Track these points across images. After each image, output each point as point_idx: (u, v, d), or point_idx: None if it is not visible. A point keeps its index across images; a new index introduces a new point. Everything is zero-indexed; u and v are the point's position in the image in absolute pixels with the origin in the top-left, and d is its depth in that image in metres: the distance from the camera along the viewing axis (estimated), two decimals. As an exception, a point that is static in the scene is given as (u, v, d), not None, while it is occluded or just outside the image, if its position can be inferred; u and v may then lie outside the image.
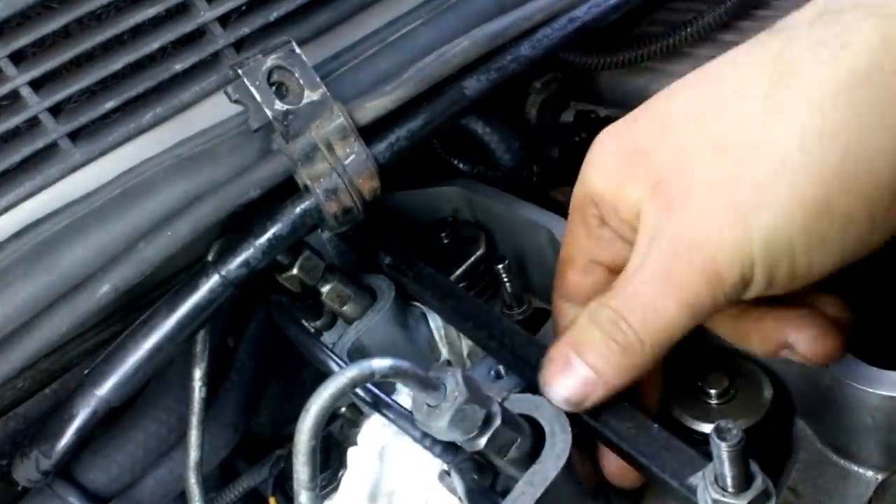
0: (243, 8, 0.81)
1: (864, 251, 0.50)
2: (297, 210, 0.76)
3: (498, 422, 0.62)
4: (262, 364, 0.99)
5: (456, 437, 0.61)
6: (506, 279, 0.94)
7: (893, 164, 0.46)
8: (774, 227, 0.47)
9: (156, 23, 0.77)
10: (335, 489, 0.86)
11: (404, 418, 0.69)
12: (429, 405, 0.61)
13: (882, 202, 0.47)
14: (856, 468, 0.67)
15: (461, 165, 1.11)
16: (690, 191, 0.50)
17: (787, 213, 0.47)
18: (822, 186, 0.46)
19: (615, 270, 0.58)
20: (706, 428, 0.66)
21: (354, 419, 0.93)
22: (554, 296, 0.67)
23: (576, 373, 0.58)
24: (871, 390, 0.59)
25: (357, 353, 0.89)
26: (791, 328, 0.57)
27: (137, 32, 0.77)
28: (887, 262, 0.81)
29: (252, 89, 0.73)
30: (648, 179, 0.53)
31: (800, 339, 0.57)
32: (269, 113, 0.74)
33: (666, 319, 0.52)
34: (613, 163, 0.56)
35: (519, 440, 0.63)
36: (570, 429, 0.63)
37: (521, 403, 0.67)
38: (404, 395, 0.77)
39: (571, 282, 0.64)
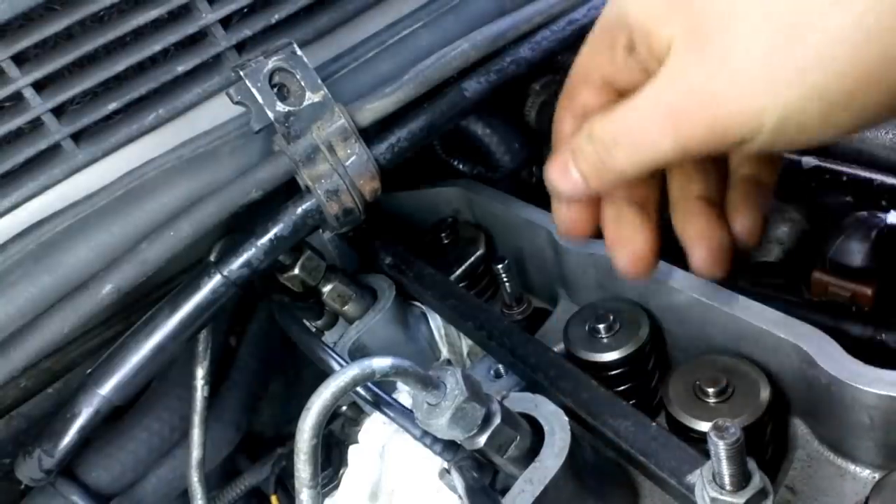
0: (245, 10, 0.82)
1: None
2: (299, 211, 0.76)
3: (497, 420, 0.62)
4: (263, 363, 0.99)
5: (456, 435, 0.62)
6: (506, 279, 0.94)
7: None
8: (800, 99, 0.47)
9: (158, 25, 0.78)
10: (336, 487, 0.86)
11: (405, 417, 0.69)
12: (429, 404, 0.61)
13: None
14: (852, 467, 0.67)
15: (461, 166, 1.11)
16: (728, 46, 0.49)
17: (820, 89, 0.46)
18: (862, 71, 0.45)
19: (628, 96, 0.58)
20: (704, 426, 0.66)
21: (355, 418, 0.94)
22: (559, 106, 0.66)
23: (569, 177, 0.60)
24: (868, 389, 0.59)
25: (358, 352, 0.90)
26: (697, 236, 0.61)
27: (140, 34, 0.77)
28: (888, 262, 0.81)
29: (254, 91, 0.74)
30: (689, 20, 0.52)
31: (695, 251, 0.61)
32: (270, 114, 0.74)
33: (658, 154, 0.53)
34: None
35: (518, 438, 0.64)
36: (569, 427, 0.64)
37: (520, 402, 0.68)
38: (405, 394, 0.78)
39: (581, 99, 0.63)
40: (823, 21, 0.46)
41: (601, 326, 0.78)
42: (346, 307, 0.93)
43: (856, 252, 0.83)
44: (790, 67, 0.47)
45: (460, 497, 0.65)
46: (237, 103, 0.75)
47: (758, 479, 0.54)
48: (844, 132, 0.49)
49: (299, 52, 0.75)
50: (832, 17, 0.46)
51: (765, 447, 0.69)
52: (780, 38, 0.48)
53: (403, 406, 0.70)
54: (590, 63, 0.62)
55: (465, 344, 0.99)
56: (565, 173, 0.60)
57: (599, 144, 0.57)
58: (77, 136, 0.77)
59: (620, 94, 0.61)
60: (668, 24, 0.53)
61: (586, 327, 0.79)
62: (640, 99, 0.54)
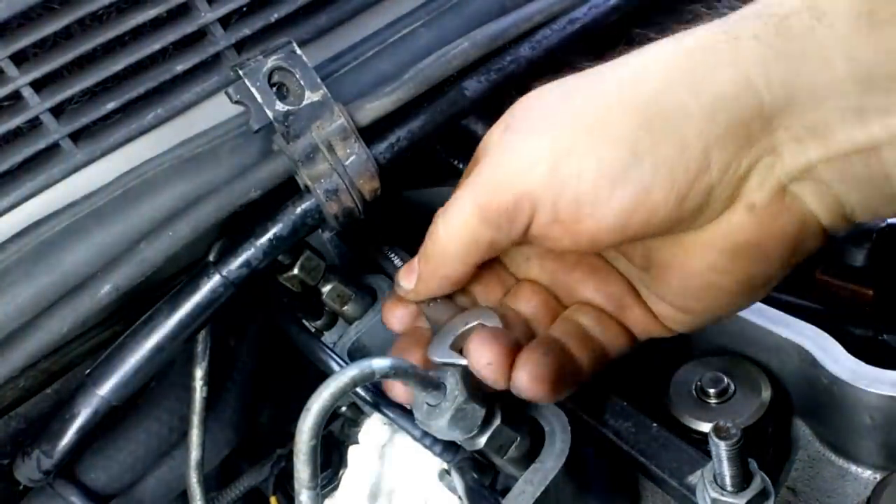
0: (244, 9, 0.81)
1: (656, 215, 0.52)
2: (298, 210, 0.76)
3: (497, 421, 0.62)
4: (263, 364, 0.99)
5: (456, 436, 0.61)
6: (506, 279, 0.94)
7: (697, 127, 0.50)
8: (566, 152, 0.53)
9: (157, 24, 0.78)
10: (336, 488, 0.86)
11: (404, 417, 0.69)
12: (429, 404, 0.61)
13: (686, 158, 0.51)
14: (854, 467, 0.67)
15: (461, 166, 1.11)
16: (519, 128, 0.57)
17: (584, 145, 0.53)
18: (628, 126, 0.52)
19: None
20: (705, 427, 0.66)
21: (355, 418, 0.93)
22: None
23: (410, 265, 0.67)
24: (869, 390, 0.59)
25: (357, 352, 0.90)
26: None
27: (139, 33, 0.77)
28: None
29: (253, 90, 0.73)
30: (503, 123, 0.60)
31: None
32: (269, 114, 0.74)
33: (465, 224, 0.59)
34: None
35: (518, 439, 0.64)
36: (569, 428, 0.64)
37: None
38: (404, 395, 0.77)
39: None
40: (595, 93, 0.55)
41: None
42: (345, 307, 0.93)
43: (856, 252, 0.83)
44: (564, 130, 0.54)
45: (460, 498, 0.65)
46: (236, 102, 0.75)
47: (759, 480, 0.54)
48: (635, 195, 0.52)
49: (298, 52, 0.75)
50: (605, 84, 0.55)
51: (766, 448, 0.68)
52: (560, 107, 0.56)
53: (403, 407, 0.70)
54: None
55: (465, 344, 0.98)
56: (410, 269, 0.66)
57: (432, 236, 0.63)
58: (76, 136, 0.77)
59: None
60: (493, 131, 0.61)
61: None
62: (458, 190, 0.61)
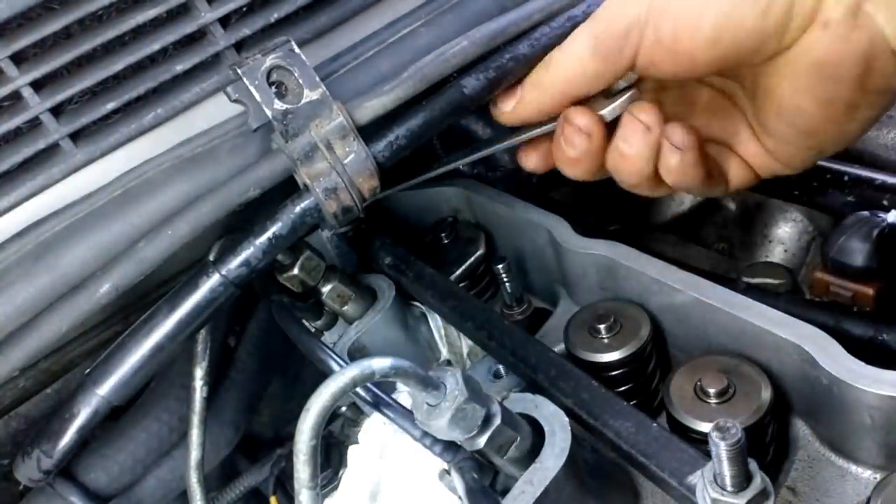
0: (244, 9, 0.81)
1: (743, 27, 0.59)
2: (297, 209, 0.76)
3: (498, 421, 0.62)
4: (262, 364, 0.99)
5: (456, 436, 0.61)
6: (506, 279, 0.94)
7: None
8: None
9: (157, 24, 0.78)
10: (336, 488, 0.86)
11: (405, 417, 0.69)
12: (429, 404, 0.61)
13: None
14: (854, 467, 0.67)
15: (461, 166, 1.11)
16: None
17: None
18: None
19: None
20: (705, 427, 0.66)
21: (355, 418, 0.94)
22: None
23: (513, 89, 0.75)
24: (869, 390, 0.59)
25: (357, 352, 0.90)
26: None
27: (138, 33, 0.77)
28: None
29: (251, 89, 0.73)
30: None
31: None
32: (268, 112, 0.74)
33: (578, 54, 0.66)
34: None
35: (518, 439, 0.64)
36: (569, 428, 0.64)
37: (520, 403, 0.67)
38: (404, 395, 0.77)
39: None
40: None
41: (602, 327, 0.78)
42: (345, 307, 0.93)
43: (857, 252, 0.83)
44: None
45: (460, 498, 0.65)
46: (235, 102, 0.75)
47: (759, 480, 0.54)
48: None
49: (297, 50, 0.75)
50: None
51: (766, 448, 0.68)
52: None
53: (403, 407, 0.70)
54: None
55: (465, 344, 0.98)
56: (512, 93, 0.74)
57: (545, 66, 0.70)
58: (75, 136, 0.77)
59: None
60: None
61: (587, 328, 0.79)
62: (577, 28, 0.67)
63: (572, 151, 0.70)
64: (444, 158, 0.87)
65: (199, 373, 0.83)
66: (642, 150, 0.67)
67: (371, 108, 0.77)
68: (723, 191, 0.72)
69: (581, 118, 0.69)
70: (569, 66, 0.67)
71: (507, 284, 0.94)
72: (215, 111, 0.81)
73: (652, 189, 0.71)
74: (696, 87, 0.73)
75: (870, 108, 0.61)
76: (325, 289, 0.92)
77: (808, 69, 0.59)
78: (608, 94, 0.70)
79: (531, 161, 0.78)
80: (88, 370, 0.76)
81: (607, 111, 0.69)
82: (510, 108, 0.73)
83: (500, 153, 1.09)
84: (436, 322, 0.99)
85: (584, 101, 0.70)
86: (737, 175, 0.72)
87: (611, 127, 0.70)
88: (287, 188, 0.77)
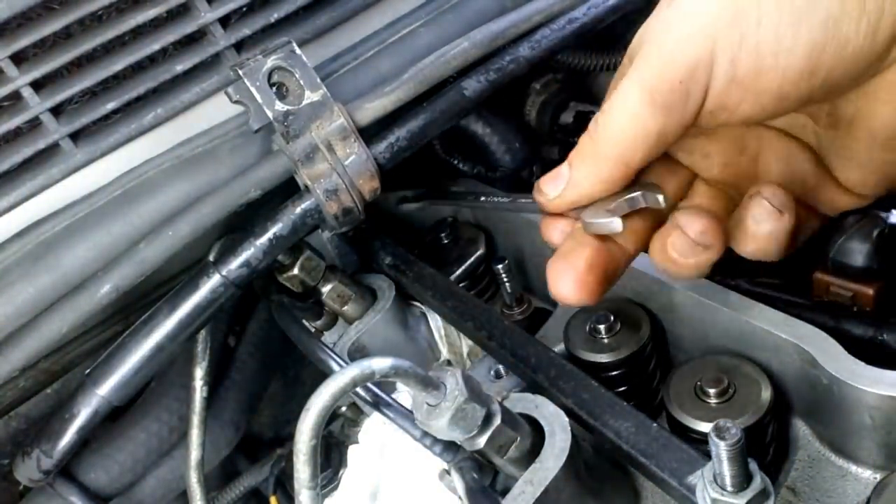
0: (244, 9, 0.82)
1: (846, 49, 0.47)
2: (298, 210, 0.76)
3: (498, 421, 0.62)
4: (262, 364, 0.99)
5: (456, 436, 0.61)
6: (506, 279, 0.94)
7: None
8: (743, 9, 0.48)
9: (157, 24, 0.78)
10: (336, 488, 0.86)
11: (405, 417, 0.69)
12: (429, 404, 0.61)
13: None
14: (854, 467, 0.67)
15: (461, 166, 1.11)
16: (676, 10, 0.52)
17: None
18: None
19: None
20: (705, 427, 0.66)
21: (355, 418, 0.94)
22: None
23: (557, 171, 0.60)
24: (869, 390, 0.59)
25: (357, 352, 0.90)
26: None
27: (138, 33, 0.77)
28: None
29: (252, 90, 0.73)
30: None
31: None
32: (269, 113, 0.74)
33: (631, 113, 0.53)
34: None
35: (519, 439, 0.63)
36: (569, 428, 0.64)
37: (520, 403, 0.67)
38: (404, 395, 0.77)
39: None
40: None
41: (602, 327, 0.78)
42: (345, 307, 0.93)
43: (857, 252, 0.83)
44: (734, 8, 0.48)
45: (460, 498, 0.65)
46: (236, 102, 0.75)
47: (759, 480, 0.54)
48: (814, 45, 0.48)
49: (298, 51, 0.75)
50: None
51: (766, 448, 0.68)
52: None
53: (403, 407, 0.70)
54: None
55: (465, 344, 0.98)
56: (557, 175, 0.59)
57: (592, 134, 0.56)
58: (75, 136, 0.77)
59: None
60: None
61: (587, 328, 0.79)
62: (622, 81, 0.54)
63: (693, 261, 0.57)
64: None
65: (199, 373, 0.83)
66: (697, 258, 0.56)
67: (372, 109, 0.77)
68: (792, 250, 0.60)
69: (697, 224, 0.56)
70: (624, 127, 0.53)
71: (507, 284, 0.94)
72: (215, 111, 0.81)
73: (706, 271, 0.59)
74: (757, 131, 0.61)
75: None
76: (325, 289, 0.92)
77: None
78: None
79: (566, 286, 0.59)
80: (88, 370, 0.77)
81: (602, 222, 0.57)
82: (557, 192, 0.59)
83: (500, 153, 1.09)
84: (436, 322, 0.99)
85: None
86: (805, 226, 0.61)
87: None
88: (288, 189, 0.77)
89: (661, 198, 0.56)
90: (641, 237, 0.61)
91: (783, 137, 0.60)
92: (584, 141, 0.57)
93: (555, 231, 0.62)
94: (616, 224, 0.56)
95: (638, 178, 0.58)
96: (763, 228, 0.55)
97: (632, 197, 0.57)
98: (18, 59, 0.72)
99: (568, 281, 0.58)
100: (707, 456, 0.55)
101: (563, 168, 0.59)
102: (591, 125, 0.56)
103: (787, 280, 0.89)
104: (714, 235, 0.56)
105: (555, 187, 0.59)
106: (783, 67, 0.48)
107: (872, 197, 0.60)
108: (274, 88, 0.74)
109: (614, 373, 0.77)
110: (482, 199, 0.81)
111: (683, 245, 0.56)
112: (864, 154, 0.56)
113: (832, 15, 0.46)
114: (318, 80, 0.76)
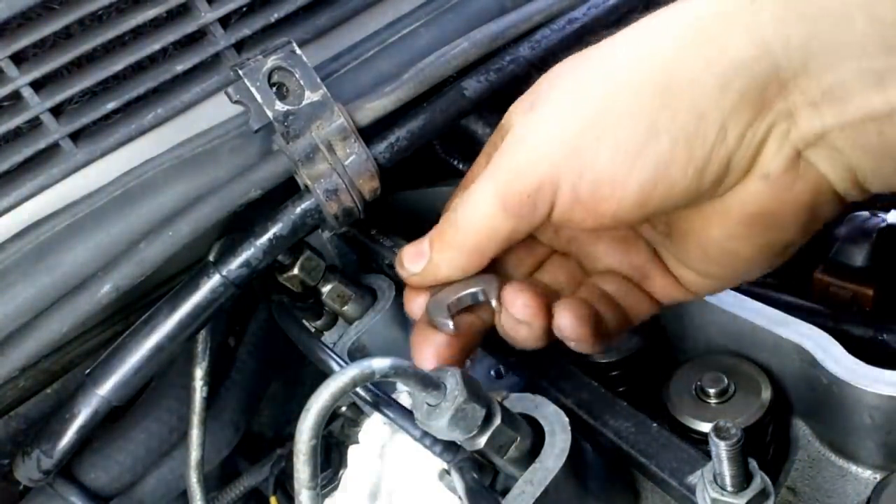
0: (244, 9, 0.82)
1: (675, 189, 0.53)
2: (298, 210, 0.76)
3: (498, 421, 0.62)
4: (262, 363, 0.99)
5: (456, 436, 0.61)
6: (506, 279, 0.94)
7: (711, 98, 0.50)
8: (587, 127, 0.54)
9: (157, 24, 0.78)
10: (336, 488, 0.86)
11: (405, 417, 0.69)
12: (429, 404, 0.61)
13: (703, 130, 0.51)
14: (854, 467, 0.67)
15: (461, 166, 1.11)
16: (540, 109, 0.57)
17: (601, 125, 0.53)
18: (642, 102, 0.52)
19: None
20: (705, 427, 0.66)
21: (355, 418, 0.93)
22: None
23: (418, 247, 0.66)
24: (869, 390, 0.59)
25: (357, 352, 0.90)
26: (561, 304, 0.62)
27: (139, 33, 0.77)
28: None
29: (253, 90, 0.73)
30: (524, 104, 0.60)
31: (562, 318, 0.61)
32: (269, 113, 0.74)
33: (485, 215, 0.59)
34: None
35: (519, 439, 0.63)
36: (569, 428, 0.64)
37: (520, 403, 0.67)
38: (404, 395, 0.77)
39: None
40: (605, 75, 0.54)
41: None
42: (345, 307, 0.93)
43: (856, 252, 0.83)
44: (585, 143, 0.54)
45: (460, 498, 0.65)
46: (236, 102, 0.75)
47: (759, 480, 0.54)
48: (655, 169, 0.53)
49: (298, 51, 0.75)
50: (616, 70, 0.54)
51: (766, 448, 0.68)
52: (575, 90, 0.56)
53: (403, 407, 0.70)
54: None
55: (465, 344, 0.98)
56: (419, 253, 0.65)
57: (451, 223, 0.62)
58: (75, 136, 0.77)
59: None
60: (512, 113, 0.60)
61: (587, 327, 0.79)
62: (479, 180, 0.59)
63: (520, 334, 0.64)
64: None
65: (199, 373, 0.83)
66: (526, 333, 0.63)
67: (372, 109, 0.77)
68: (621, 331, 0.65)
69: (519, 303, 0.62)
70: (478, 226, 0.59)
71: (507, 284, 0.94)
72: (215, 111, 0.81)
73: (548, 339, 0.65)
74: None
75: (804, 241, 0.57)
76: (325, 289, 0.92)
77: (746, 219, 0.54)
78: None
79: (428, 360, 0.65)
80: (88, 370, 0.77)
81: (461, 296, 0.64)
82: (417, 271, 0.65)
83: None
84: (436, 322, 0.99)
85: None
86: (638, 309, 0.66)
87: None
88: (288, 189, 0.77)
89: (493, 302, 0.63)
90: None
91: (626, 230, 0.66)
92: (445, 227, 0.63)
93: (414, 305, 0.68)
94: (449, 327, 0.63)
95: (492, 264, 0.64)
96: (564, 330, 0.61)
97: (471, 292, 0.64)
98: (18, 59, 0.72)
99: (429, 356, 0.64)
100: (707, 456, 0.55)
101: (425, 246, 0.65)
102: (450, 213, 0.62)
103: (787, 280, 0.89)
104: (531, 313, 0.61)
105: (416, 265, 0.65)
106: (618, 198, 0.54)
107: (703, 294, 0.66)
108: (274, 88, 0.74)
109: (614, 373, 0.77)
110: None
111: (508, 320, 0.63)
112: (694, 263, 0.61)
113: (662, 160, 0.52)
114: (318, 80, 0.76)
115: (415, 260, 0.65)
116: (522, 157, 0.57)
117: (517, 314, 0.61)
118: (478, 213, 0.59)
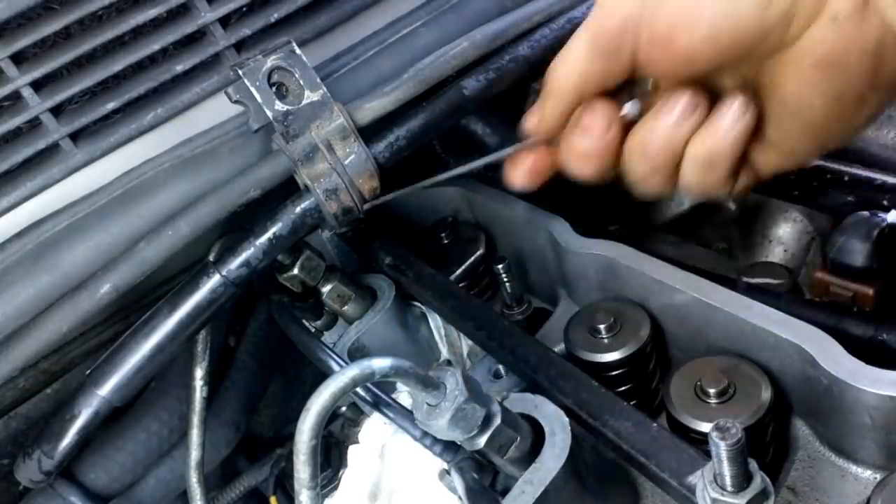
0: (244, 9, 0.82)
1: (744, 22, 0.56)
2: (298, 210, 0.76)
3: (497, 421, 0.62)
4: (262, 363, 0.99)
5: (456, 436, 0.61)
6: (506, 279, 0.94)
7: None
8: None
9: (157, 24, 0.78)
10: (336, 488, 0.86)
11: (404, 417, 0.69)
12: (429, 404, 0.61)
13: None
14: (854, 467, 0.67)
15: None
16: None
17: None
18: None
19: None
20: (705, 427, 0.66)
21: (355, 418, 0.94)
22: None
23: (534, 108, 0.71)
24: (869, 390, 0.59)
25: (357, 352, 0.90)
26: None
27: (138, 33, 0.77)
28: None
29: (252, 90, 0.73)
30: None
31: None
32: (269, 113, 0.74)
33: (578, 56, 0.64)
34: None
35: (518, 439, 0.64)
36: (569, 428, 0.64)
37: (520, 403, 0.67)
38: (404, 395, 0.78)
39: None
40: None
41: (602, 327, 0.78)
42: (345, 307, 0.93)
43: (857, 252, 0.83)
44: None
45: (460, 498, 0.65)
46: (236, 102, 0.75)
47: (759, 480, 0.54)
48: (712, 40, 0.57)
49: (298, 51, 0.75)
50: None
51: (766, 448, 0.68)
52: None
53: (403, 407, 0.70)
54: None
55: (465, 344, 0.98)
56: (532, 111, 0.70)
57: (550, 74, 0.66)
58: (75, 136, 0.77)
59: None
60: None
61: (587, 328, 0.79)
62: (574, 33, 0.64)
63: (588, 142, 0.68)
64: (452, 165, 0.84)
65: (199, 373, 0.83)
66: (685, 128, 0.64)
67: (371, 109, 0.77)
68: (727, 192, 0.70)
69: (599, 109, 0.66)
70: (574, 67, 0.65)
71: (507, 284, 0.94)
72: (215, 111, 0.81)
73: (661, 185, 0.69)
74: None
75: (878, 102, 0.60)
76: (325, 289, 0.92)
77: (816, 64, 0.57)
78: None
79: (519, 176, 0.75)
80: (89, 370, 0.77)
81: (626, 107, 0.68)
82: (535, 124, 0.71)
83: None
84: (436, 322, 0.99)
85: None
86: (741, 177, 0.69)
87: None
88: (288, 189, 0.78)
89: (647, 81, 0.67)
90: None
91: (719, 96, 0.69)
92: (546, 79, 0.67)
93: (517, 176, 0.74)
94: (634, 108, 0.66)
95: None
96: (723, 125, 0.63)
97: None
98: (18, 59, 0.72)
99: (521, 171, 0.72)
100: (707, 456, 0.55)
101: (539, 102, 0.70)
102: (550, 65, 0.66)
103: (787, 280, 0.89)
104: (704, 97, 0.63)
105: (533, 120, 0.71)
106: (690, 34, 0.58)
107: (796, 164, 0.68)
108: (274, 88, 0.74)
109: (614, 373, 0.77)
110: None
111: (678, 102, 0.63)
112: (778, 119, 0.63)
113: None
114: (318, 80, 0.76)
115: (531, 115, 0.71)
116: (608, 2, 0.61)
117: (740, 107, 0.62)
118: (571, 57, 0.64)
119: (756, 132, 0.66)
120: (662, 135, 0.65)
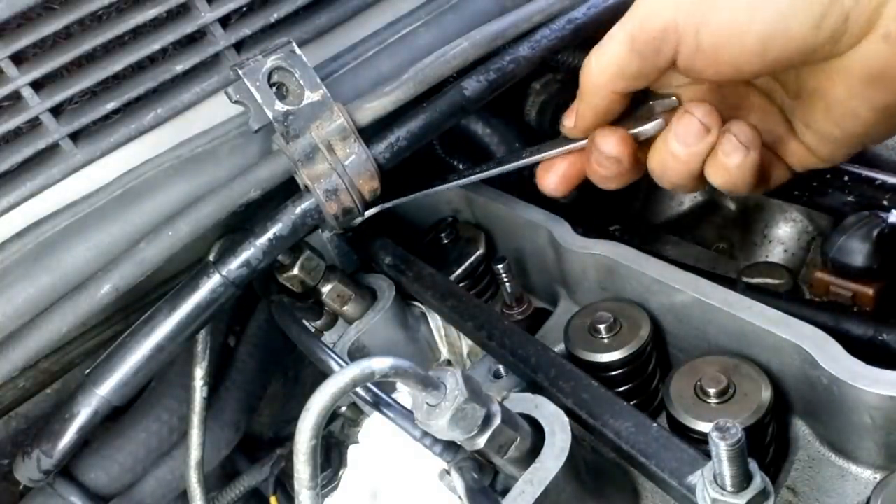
0: (244, 9, 0.82)
1: (793, 40, 0.56)
2: (298, 210, 0.76)
3: (497, 421, 0.62)
4: (262, 364, 0.99)
5: (456, 436, 0.61)
6: (506, 279, 0.94)
7: None
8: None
9: (157, 24, 0.78)
10: (336, 488, 0.86)
11: (405, 417, 0.69)
12: (429, 404, 0.61)
13: None
14: (854, 467, 0.67)
15: (461, 166, 1.11)
16: None
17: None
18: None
19: None
20: (705, 427, 0.66)
21: (355, 418, 0.94)
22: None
23: (572, 105, 0.73)
24: (869, 390, 0.59)
25: (357, 352, 0.90)
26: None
27: (138, 33, 0.77)
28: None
29: (252, 90, 0.73)
30: None
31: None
32: (269, 113, 0.74)
33: (615, 53, 0.64)
34: None
35: (518, 439, 0.63)
36: (569, 428, 0.64)
37: (520, 403, 0.67)
38: (404, 395, 0.77)
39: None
40: None
41: (602, 327, 0.78)
42: (345, 307, 0.93)
43: (857, 252, 0.83)
44: None
45: (460, 498, 0.65)
46: (236, 102, 0.75)
47: (759, 480, 0.54)
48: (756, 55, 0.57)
49: (298, 51, 0.75)
50: None
51: (766, 448, 0.68)
52: None
53: (403, 407, 0.70)
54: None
55: (465, 344, 0.98)
56: (571, 109, 0.72)
57: (584, 71, 0.67)
58: (75, 136, 0.77)
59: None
60: None
61: (587, 327, 0.79)
62: (612, 29, 0.64)
63: (604, 172, 0.70)
64: (467, 171, 0.83)
65: (199, 373, 0.83)
66: (699, 150, 0.65)
67: (371, 109, 0.77)
68: (763, 189, 0.72)
69: (608, 143, 0.68)
70: (610, 63, 0.65)
71: (507, 284, 0.94)
72: (215, 111, 0.81)
73: (693, 188, 0.70)
74: (738, 86, 0.72)
75: None
76: (325, 289, 0.92)
77: (866, 78, 0.57)
78: (643, 110, 0.70)
79: (550, 183, 0.76)
80: (89, 370, 0.77)
81: (640, 130, 0.69)
82: (572, 124, 0.72)
83: (500, 154, 1.08)
84: (436, 322, 0.99)
85: (623, 117, 0.70)
86: (775, 172, 0.71)
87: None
88: (288, 189, 0.78)
89: (672, 99, 0.69)
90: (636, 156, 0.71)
91: (760, 95, 0.70)
92: (581, 75, 0.68)
93: (548, 183, 0.76)
94: (660, 123, 0.68)
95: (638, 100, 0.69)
96: (731, 161, 0.64)
97: (659, 101, 0.69)
98: (18, 59, 0.72)
99: (553, 177, 0.75)
100: (707, 456, 0.55)
101: (575, 101, 0.71)
102: (585, 61, 0.67)
103: (787, 280, 0.89)
104: (716, 118, 0.65)
105: (570, 119, 0.73)
106: (738, 48, 0.58)
107: (832, 162, 0.69)
108: (274, 88, 0.74)
109: (614, 373, 0.77)
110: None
111: (689, 126, 0.65)
112: (820, 124, 0.65)
113: (781, 11, 0.56)
114: (318, 80, 0.76)
115: (568, 114, 0.73)
116: (650, 3, 0.62)
117: (703, 117, 0.65)
118: (608, 52, 0.64)
119: (789, 134, 0.68)
120: (678, 159, 0.66)
